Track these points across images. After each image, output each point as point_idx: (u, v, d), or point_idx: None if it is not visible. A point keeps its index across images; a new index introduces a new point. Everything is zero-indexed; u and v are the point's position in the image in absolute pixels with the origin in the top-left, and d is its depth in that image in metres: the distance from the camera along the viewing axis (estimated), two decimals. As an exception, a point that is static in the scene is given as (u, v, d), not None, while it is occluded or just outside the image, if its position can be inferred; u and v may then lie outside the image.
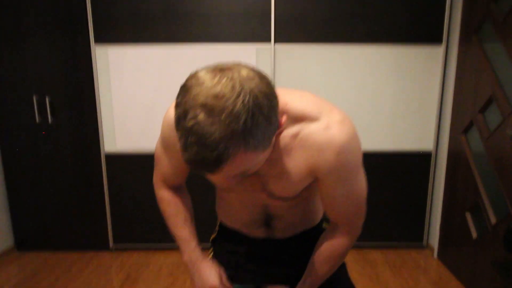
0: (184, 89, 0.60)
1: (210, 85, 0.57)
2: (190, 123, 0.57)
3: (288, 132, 0.74)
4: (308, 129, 0.74)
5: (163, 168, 0.96)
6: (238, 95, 0.56)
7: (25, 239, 2.64)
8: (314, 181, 0.83)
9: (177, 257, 2.58)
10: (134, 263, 2.51)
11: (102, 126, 2.44)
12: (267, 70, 2.35)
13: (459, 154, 2.22)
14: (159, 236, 2.63)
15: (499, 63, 1.87)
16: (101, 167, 2.51)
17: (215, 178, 0.77)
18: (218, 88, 0.56)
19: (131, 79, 2.37)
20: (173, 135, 0.78)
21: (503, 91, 1.80)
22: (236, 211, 0.99)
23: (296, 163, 0.77)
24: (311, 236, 0.99)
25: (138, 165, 2.51)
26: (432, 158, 2.50)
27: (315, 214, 1.00)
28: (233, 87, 0.57)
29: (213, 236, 1.12)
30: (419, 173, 2.53)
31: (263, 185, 0.84)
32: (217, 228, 1.12)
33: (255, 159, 0.63)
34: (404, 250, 2.64)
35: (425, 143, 2.48)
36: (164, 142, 0.89)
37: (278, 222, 0.96)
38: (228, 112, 0.55)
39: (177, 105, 0.60)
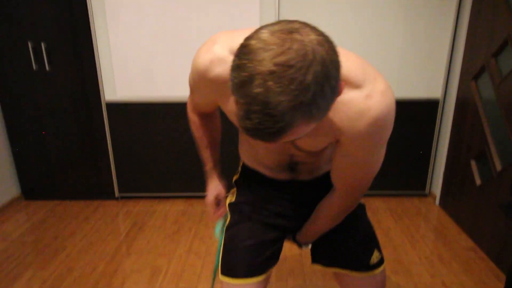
0: (247, 50, 0.53)
1: (279, 50, 0.51)
2: (256, 90, 0.51)
3: None
4: (348, 95, 0.70)
5: (195, 98, 0.98)
6: (310, 65, 0.51)
7: (32, 189, 2.67)
8: None
9: (182, 205, 2.63)
10: (140, 211, 2.56)
11: (101, 74, 2.37)
12: (270, 14, 2.24)
13: (467, 101, 2.17)
14: (164, 184, 2.66)
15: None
16: (102, 116, 2.48)
17: None
18: (288, 55, 0.51)
19: (129, 23, 2.27)
20: (204, 82, 0.79)
21: (519, 32, 1.72)
22: (260, 156, 0.99)
23: (327, 124, 0.74)
24: None
25: (140, 114, 2.47)
26: (439, 106, 2.44)
27: None
28: (304, 55, 0.51)
29: (235, 177, 1.13)
30: (425, 122, 2.49)
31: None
32: (239, 169, 1.12)
33: (312, 127, 0.60)
34: (406, 198, 2.67)
35: (433, 91, 2.41)
36: (195, 84, 0.86)
37: (303, 166, 0.97)
38: (298, 82, 0.51)
39: (239, 68, 0.53)
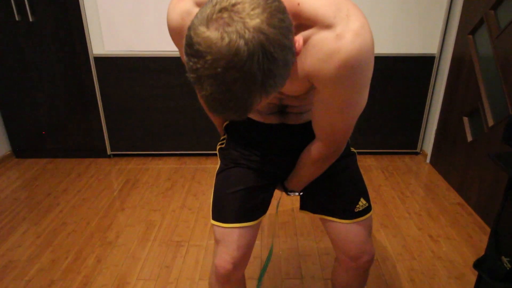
0: (192, 52, 0.53)
1: (219, 53, 0.51)
2: (206, 92, 0.55)
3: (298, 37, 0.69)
4: (318, 36, 0.66)
5: None
6: (250, 57, 0.51)
7: (23, 147, 2.65)
8: None
9: (174, 163, 2.63)
10: (133, 168, 2.56)
11: (87, 26, 2.28)
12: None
13: (464, 56, 2.14)
14: (156, 142, 2.65)
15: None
16: (91, 71, 2.41)
17: None
18: (228, 56, 0.51)
19: (115, -27, 2.16)
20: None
21: (521, -18, 1.66)
22: None
23: (300, 69, 0.72)
24: None
25: (131, 68, 2.41)
26: (435, 62, 2.41)
27: None
28: (244, 50, 0.51)
29: (226, 123, 1.12)
30: (420, 79, 2.47)
31: None
32: None
33: (277, 91, 0.62)
34: (398, 156, 2.70)
35: (430, 46, 2.37)
36: (180, 49, 0.84)
37: (292, 109, 0.96)
38: (243, 78, 0.53)
39: (188, 68, 0.55)
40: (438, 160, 2.47)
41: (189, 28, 0.54)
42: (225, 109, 0.57)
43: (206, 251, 1.76)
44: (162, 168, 2.57)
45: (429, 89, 2.49)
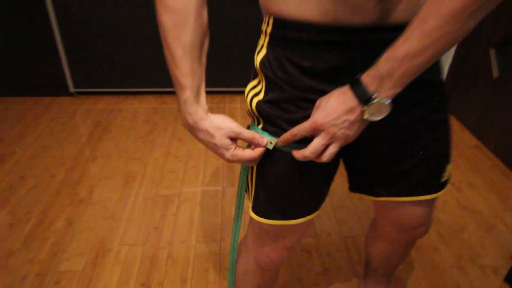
0: None
1: None
2: None
3: None
4: None
5: None
6: None
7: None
8: None
9: (153, 102, 2.26)
10: (103, 109, 2.17)
11: None
12: None
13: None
14: (130, 78, 2.26)
15: None
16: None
17: None
18: None
19: None
20: None
21: None
22: None
23: None
24: (430, 94, 0.64)
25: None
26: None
27: None
28: None
29: (260, 56, 0.62)
30: None
31: None
32: (264, 40, 0.61)
33: None
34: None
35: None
36: None
37: None
38: None
39: None
40: (453, 97, 2.23)
41: None
42: None
43: (201, 208, 1.49)
44: (139, 108, 2.19)
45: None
